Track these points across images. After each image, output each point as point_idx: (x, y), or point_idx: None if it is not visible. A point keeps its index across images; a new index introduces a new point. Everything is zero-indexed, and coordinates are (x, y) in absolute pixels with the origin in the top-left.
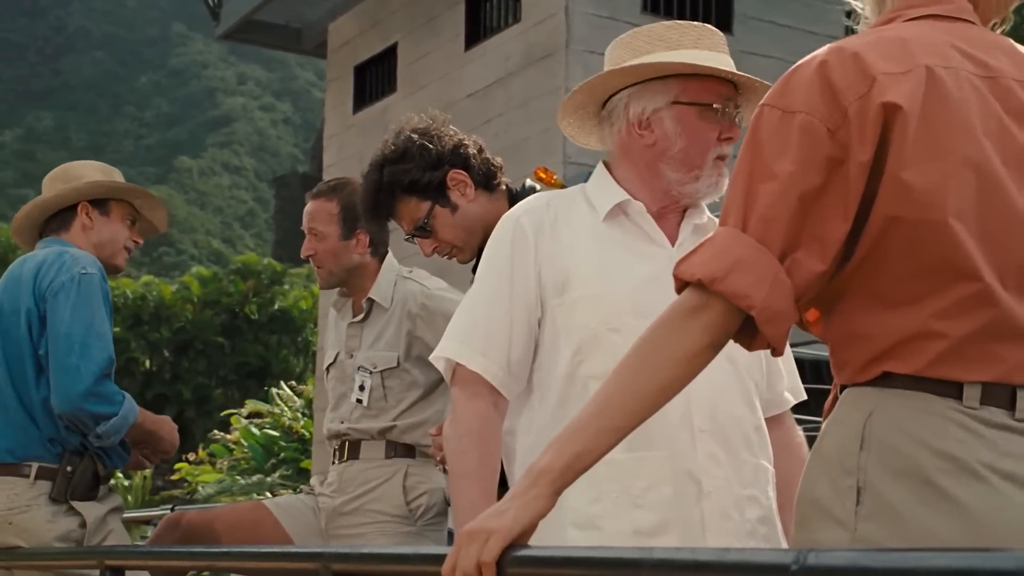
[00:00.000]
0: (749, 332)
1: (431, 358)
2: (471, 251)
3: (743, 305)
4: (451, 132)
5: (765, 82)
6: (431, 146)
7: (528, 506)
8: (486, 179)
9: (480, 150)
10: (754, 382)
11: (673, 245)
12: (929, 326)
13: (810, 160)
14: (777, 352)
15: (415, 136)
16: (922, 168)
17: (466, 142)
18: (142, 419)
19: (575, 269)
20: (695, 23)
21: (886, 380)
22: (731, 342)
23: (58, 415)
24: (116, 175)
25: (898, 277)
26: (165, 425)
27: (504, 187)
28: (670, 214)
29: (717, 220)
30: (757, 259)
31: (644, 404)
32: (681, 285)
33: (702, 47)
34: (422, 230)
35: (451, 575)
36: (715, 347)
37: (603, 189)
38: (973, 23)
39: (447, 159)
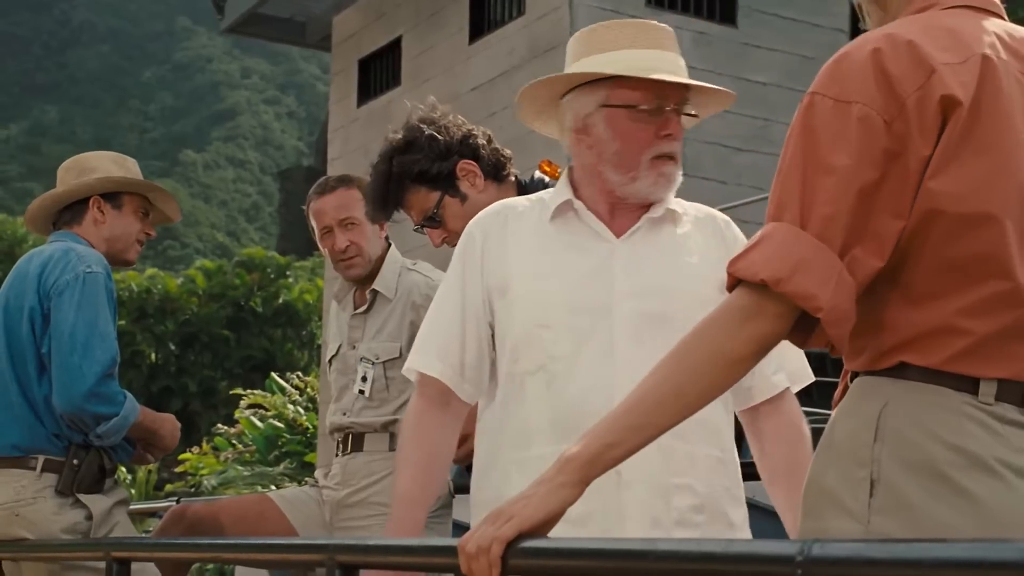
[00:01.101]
0: (804, 330)
1: (404, 371)
2: None
3: (809, 307)
4: (459, 122)
5: (689, 81)
6: (440, 136)
7: (553, 493)
8: (495, 169)
9: (489, 140)
10: None
11: (619, 237)
12: (954, 322)
13: (868, 153)
14: (836, 352)
15: (424, 126)
16: (972, 161)
17: (475, 132)
18: (143, 418)
19: (515, 271)
20: (636, 21)
21: (901, 371)
22: (652, 327)
23: (59, 415)
24: (131, 165)
25: (928, 271)
26: (166, 423)
27: (513, 178)
28: (625, 209)
29: (681, 211)
30: (820, 258)
31: (680, 404)
32: (734, 282)
33: (637, 46)
34: (431, 220)
35: (464, 548)
36: (760, 354)
37: (558, 190)
38: (1001, 17)
39: (456, 149)
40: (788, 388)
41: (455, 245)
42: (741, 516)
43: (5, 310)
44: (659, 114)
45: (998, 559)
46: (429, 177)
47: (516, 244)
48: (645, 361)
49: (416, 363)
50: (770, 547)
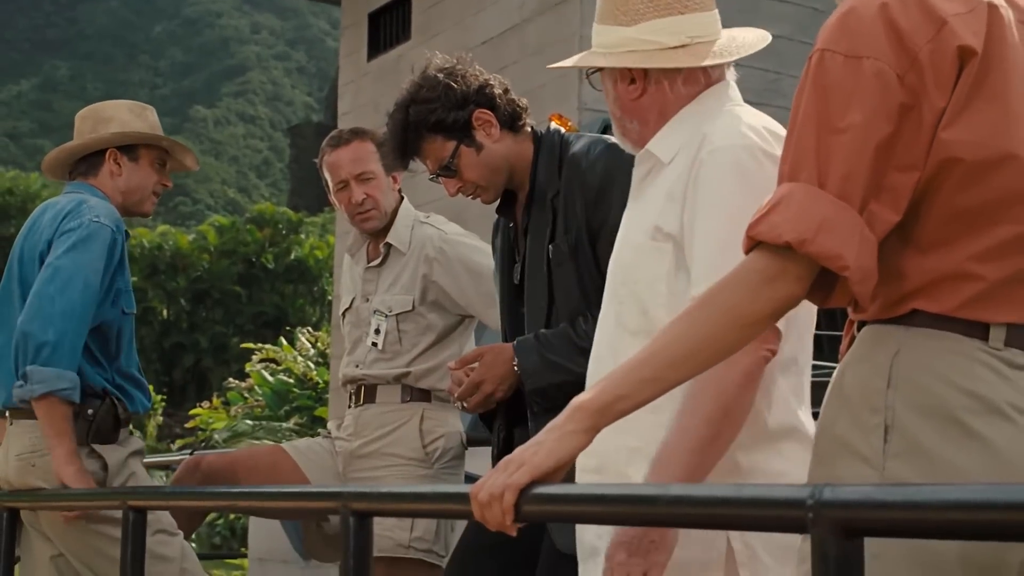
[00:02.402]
0: (824, 289)
1: None
2: (495, 191)
3: (835, 266)
4: (476, 72)
5: (567, 65)
6: (456, 85)
7: (564, 440)
8: (511, 120)
9: (505, 91)
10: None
11: None
12: (966, 268)
13: (883, 108)
14: (858, 309)
15: (440, 75)
16: (986, 108)
17: (491, 82)
18: (64, 434)
19: None
20: None
21: (913, 318)
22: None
23: (14, 339)
24: (149, 114)
25: (940, 219)
26: (69, 470)
27: (529, 128)
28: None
29: (662, 148)
30: (842, 217)
31: (692, 362)
32: (753, 244)
33: None
34: (447, 170)
35: (476, 496)
36: (778, 316)
37: None
38: None
39: (472, 99)
40: None
41: (470, 195)
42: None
43: (20, 262)
44: None
45: (1006, 500)
46: (445, 126)
47: None
48: (598, 338)
49: None
50: (781, 491)
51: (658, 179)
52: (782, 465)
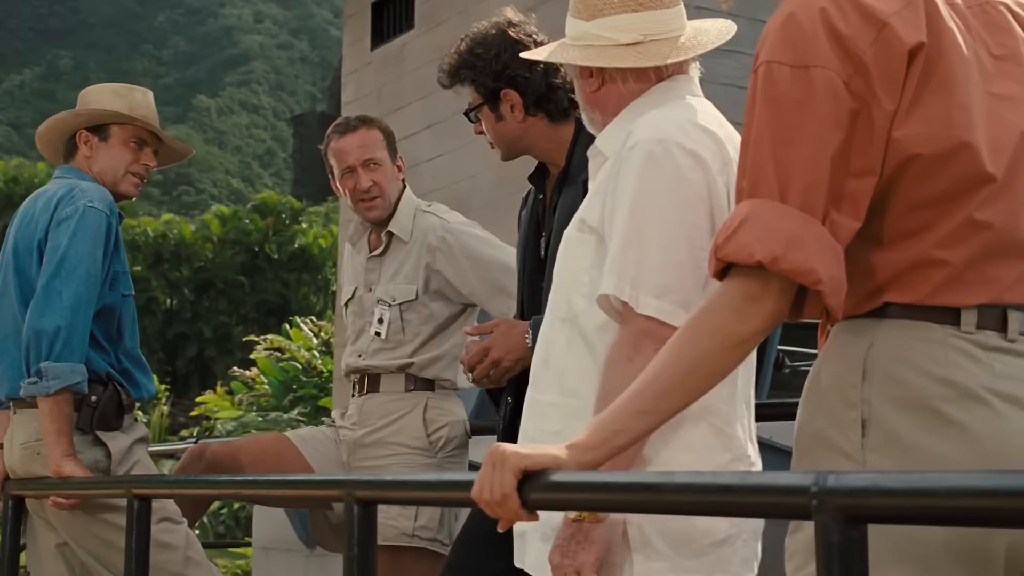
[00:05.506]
0: (795, 304)
1: None
2: (507, 155)
3: (808, 281)
4: (528, 52)
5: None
6: (501, 58)
7: (553, 461)
8: (551, 109)
9: (553, 85)
10: (566, 300)
11: None
12: (931, 254)
13: (834, 116)
14: (834, 320)
15: (494, 41)
16: (935, 100)
17: (538, 68)
18: (63, 430)
19: None
20: None
21: (884, 311)
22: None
23: (25, 336)
24: (136, 95)
25: (901, 211)
26: (64, 464)
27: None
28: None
29: (603, 143)
30: (809, 230)
31: (685, 389)
32: (724, 267)
33: None
34: (471, 114)
35: (479, 497)
36: (768, 331)
37: None
38: None
39: (505, 77)
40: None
41: (489, 142)
42: None
43: (15, 252)
44: None
45: (1009, 487)
46: (477, 85)
47: None
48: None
49: None
50: (785, 478)
51: (600, 173)
52: (686, 457)
